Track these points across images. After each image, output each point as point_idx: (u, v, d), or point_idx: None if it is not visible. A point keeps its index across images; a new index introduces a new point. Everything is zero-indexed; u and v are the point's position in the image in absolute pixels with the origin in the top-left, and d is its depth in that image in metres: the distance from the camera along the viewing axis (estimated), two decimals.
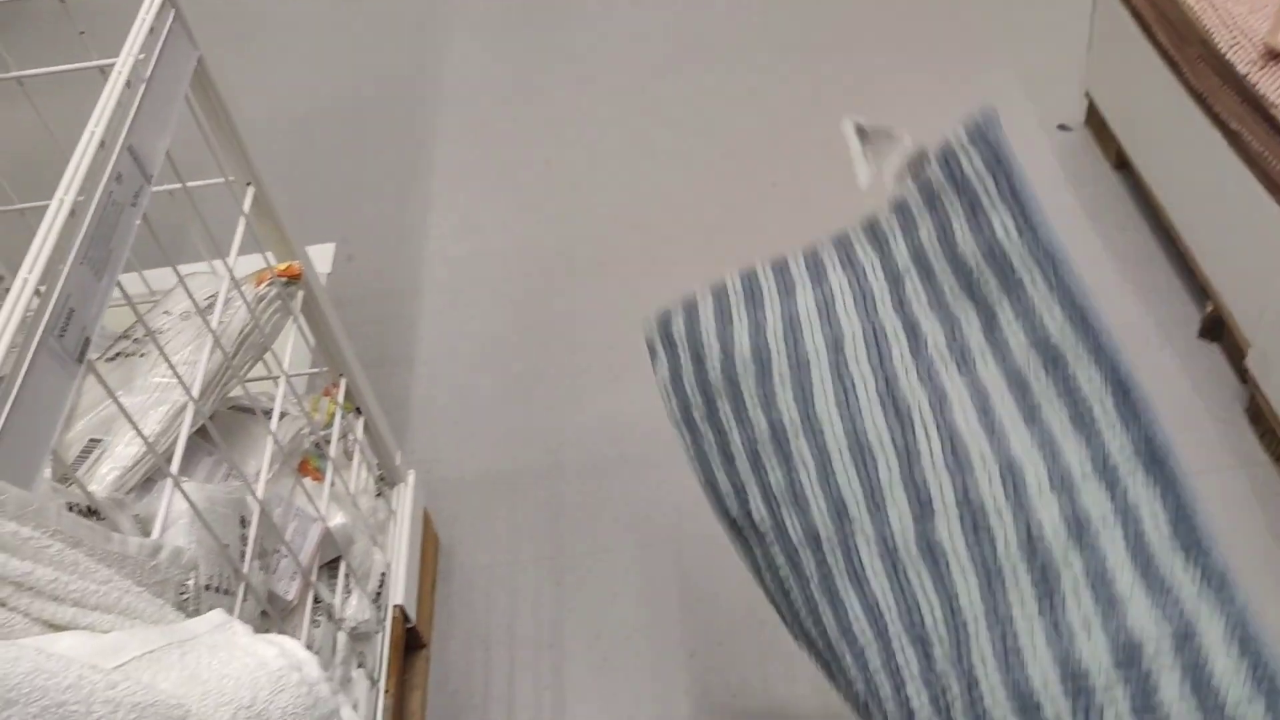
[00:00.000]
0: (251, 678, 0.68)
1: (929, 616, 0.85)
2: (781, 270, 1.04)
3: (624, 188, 2.24)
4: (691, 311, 1.06)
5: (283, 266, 1.22)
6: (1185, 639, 0.76)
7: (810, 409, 0.93)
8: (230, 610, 0.99)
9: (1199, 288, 1.80)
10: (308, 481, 1.33)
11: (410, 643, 1.55)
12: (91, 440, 1.09)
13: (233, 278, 1.09)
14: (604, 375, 1.90)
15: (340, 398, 1.37)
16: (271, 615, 1.08)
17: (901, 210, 0.98)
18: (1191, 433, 1.65)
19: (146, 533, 0.95)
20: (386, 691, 1.36)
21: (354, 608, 1.32)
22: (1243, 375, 1.68)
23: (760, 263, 1.05)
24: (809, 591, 0.92)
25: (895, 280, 0.97)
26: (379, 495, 1.49)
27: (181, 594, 0.93)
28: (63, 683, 0.60)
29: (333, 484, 1.34)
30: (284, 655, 0.70)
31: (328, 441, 1.35)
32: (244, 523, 1.05)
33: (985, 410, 0.88)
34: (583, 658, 1.53)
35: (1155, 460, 0.84)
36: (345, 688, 1.29)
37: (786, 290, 1.02)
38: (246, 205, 1.14)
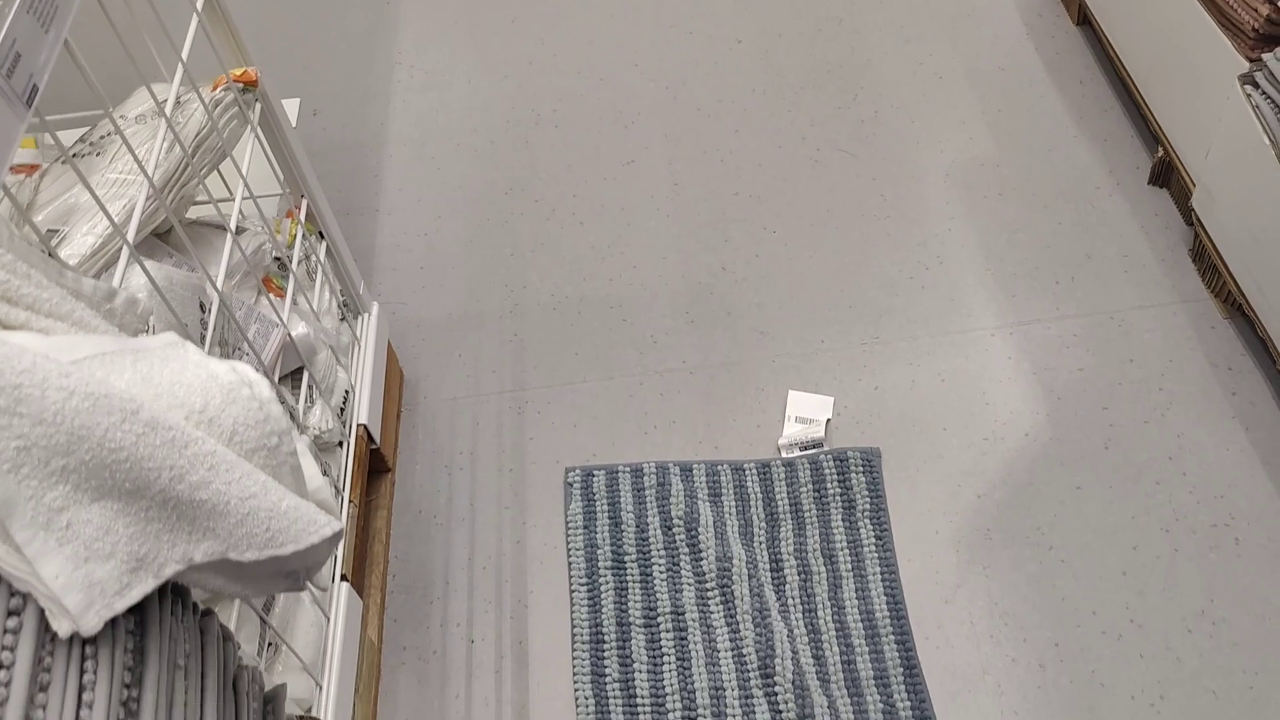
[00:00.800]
0: (204, 386, 0.72)
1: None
2: (688, 474, 1.55)
3: (589, 43, 2.23)
4: (612, 477, 1.55)
5: (239, 72, 1.23)
6: None
7: (681, 603, 1.44)
8: None
9: (1152, 136, 1.84)
10: (271, 298, 1.36)
11: (375, 467, 1.60)
12: (50, 230, 1.11)
13: (187, 73, 1.10)
14: (568, 221, 1.92)
15: (302, 217, 1.39)
16: None
17: (789, 467, 1.54)
18: (1136, 272, 1.70)
19: None
20: (351, 502, 1.41)
21: (317, 416, 1.36)
22: (1188, 218, 1.72)
23: (672, 463, 1.56)
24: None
25: (774, 521, 1.50)
26: (343, 320, 1.52)
27: None
28: (18, 365, 0.63)
29: (295, 302, 1.37)
30: (235, 372, 0.74)
31: (286, 268, 1.37)
32: (204, 308, 1.08)
33: (817, 652, 1.39)
34: (542, 480, 1.59)
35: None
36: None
37: (690, 495, 1.52)
38: (199, 3, 1.15)
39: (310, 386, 1.36)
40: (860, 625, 1.39)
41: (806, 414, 1.60)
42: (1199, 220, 1.63)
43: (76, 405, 0.65)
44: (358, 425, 1.49)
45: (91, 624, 0.66)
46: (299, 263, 1.43)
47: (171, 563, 0.71)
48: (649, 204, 1.93)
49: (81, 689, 0.68)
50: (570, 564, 1.49)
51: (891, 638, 1.38)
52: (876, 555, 1.45)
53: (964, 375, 1.62)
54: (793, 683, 1.33)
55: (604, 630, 1.42)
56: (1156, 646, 1.33)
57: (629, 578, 1.46)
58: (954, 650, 1.36)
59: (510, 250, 1.90)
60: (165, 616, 0.77)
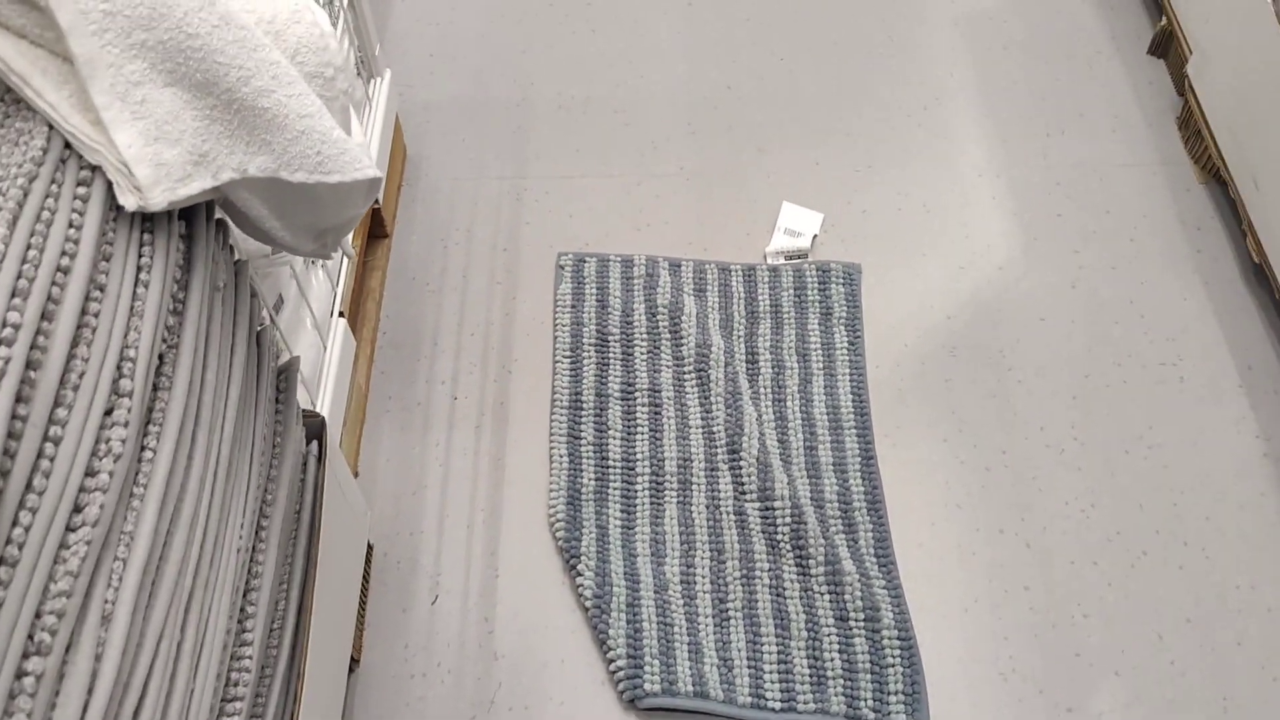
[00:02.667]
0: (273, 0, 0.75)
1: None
2: (676, 268, 1.61)
3: None
4: (604, 264, 1.61)
5: None
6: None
7: (659, 382, 1.51)
8: None
9: (1156, 6, 1.88)
10: None
11: (373, 231, 1.64)
12: None
13: None
14: (580, 27, 1.94)
15: None
16: None
17: (774, 272, 1.61)
18: (1124, 133, 1.76)
19: None
20: (353, 247, 1.45)
21: None
22: (1180, 88, 1.78)
23: (662, 257, 1.62)
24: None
25: (753, 318, 1.57)
26: (358, 75, 1.54)
27: None
28: None
29: None
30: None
31: None
32: None
33: (782, 436, 1.48)
34: (535, 262, 1.64)
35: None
36: None
37: (677, 288, 1.58)
38: None
39: None
40: (825, 417, 1.48)
41: (795, 226, 1.65)
42: (1190, 87, 1.69)
43: None
44: None
45: (157, 200, 0.71)
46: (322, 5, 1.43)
47: (228, 169, 0.76)
48: (661, 19, 1.95)
49: (139, 269, 0.73)
50: (556, 338, 1.55)
51: (853, 431, 1.46)
52: (848, 358, 1.53)
53: (948, 207, 1.68)
54: (756, 459, 1.42)
55: (583, 398, 1.49)
56: (1094, 462, 1.44)
57: (611, 355, 1.53)
58: (909, 448, 1.46)
59: (522, 49, 1.91)
60: (210, 237, 0.82)
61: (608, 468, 1.44)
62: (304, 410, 1.10)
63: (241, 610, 0.90)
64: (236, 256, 0.90)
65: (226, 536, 0.85)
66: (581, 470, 1.43)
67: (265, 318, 0.98)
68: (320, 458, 1.11)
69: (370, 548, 1.38)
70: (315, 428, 1.13)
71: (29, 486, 0.63)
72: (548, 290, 1.61)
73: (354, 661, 1.30)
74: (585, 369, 1.52)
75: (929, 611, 1.33)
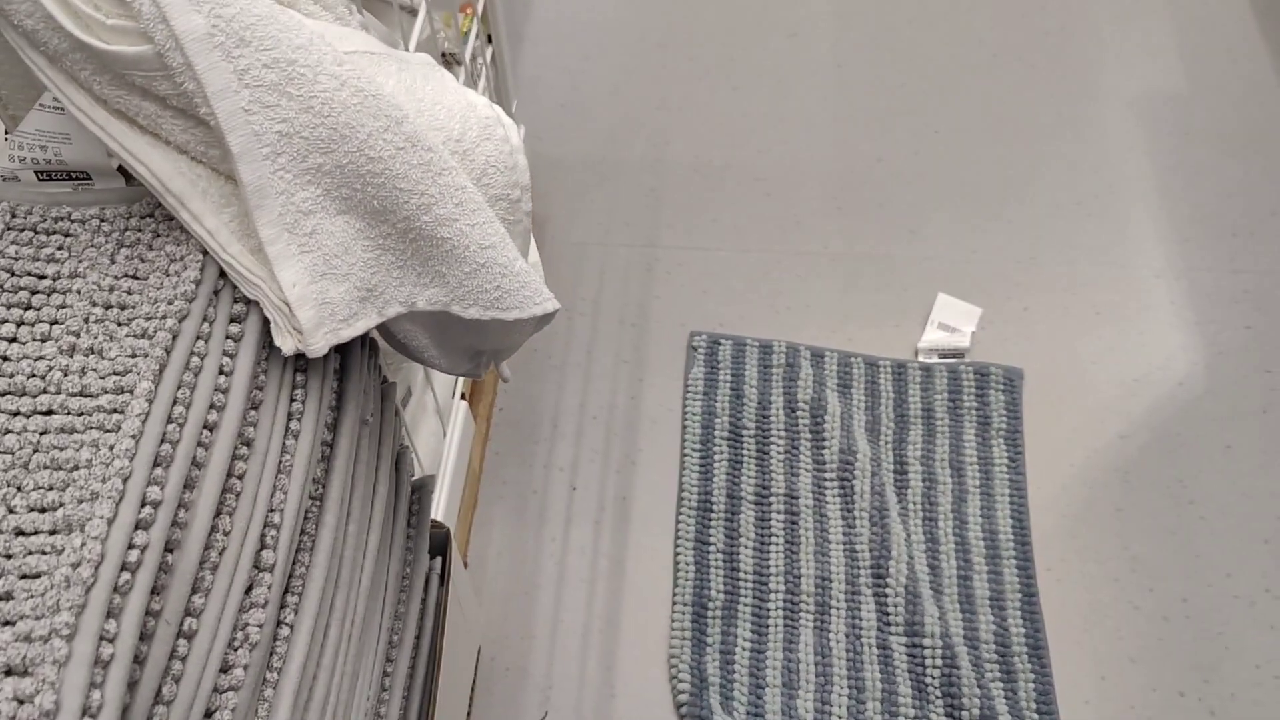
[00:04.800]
0: (463, 114, 0.65)
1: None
2: (819, 359, 1.48)
3: None
4: (739, 349, 1.49)
5: None
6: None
7: (796, 488, 1.38)
8: None
9: None
10: None
11: None
12: None
13: None
14: (721, 84, 1.82)
15: (479, 10, 1.31)
16: None
17: (926, 372, 1.46)
18: None
19: None
20: None
21: None
22: None
23: (803, 345, 1.49)
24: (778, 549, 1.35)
25: (903, 423, 1.43)
26: None
27: None
28: (295, 40, 0.56)
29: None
30: (492, 108, 0.67)
31: (458, 61, 1.29)
32: None
33: (933, 561, 1.33)
34: (665, 341, 1.53)
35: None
36: None
37: (819, 382, 1.45)
38: None
39: None
40: (981, 543, 1.33)
41: (951, 321, 1.52)
42: None
43: (346, 99, 0.58)
44: None
45: (318, 345, 0.61)
46: (470, 60, 1.34)
47: (395, 303, 0.65)
48: (809, 81, 1.83)
49: (290, 415, 0.63)
50: (685, 428, 1.43)
51: (1013, 561, 1.32)
52: (1007, 476, 1.38)
53: (1121, 312, 1.53)
54: (905, 587, 1.28)
55: (713, 499, 1.37)
56: None
57: (745, 452, 1.41)
58: (1075, 586, 1.31)
59: (657, 105, 1.81)
60: (364, 369, 0.72)
61: (738, 581, 1.31)
62: (433, 522, 1.00)
63: None
64: (383, 377, 0.80)
65: (355, 700, 0.74)
66: (708, 581, 1.31)
67: (404, 435, 0.88)
68: (444, 576, 1.00)
69: (478, 650, 1.28)
70: (440, 541, 1.02)
71: (158, 697, 0.53)
72: (677, 374, 1.49)
73: None
74: (716, 466, 1.40)
75: None
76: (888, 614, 1.28)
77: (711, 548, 1.33)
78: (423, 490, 0.92)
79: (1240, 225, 1.62)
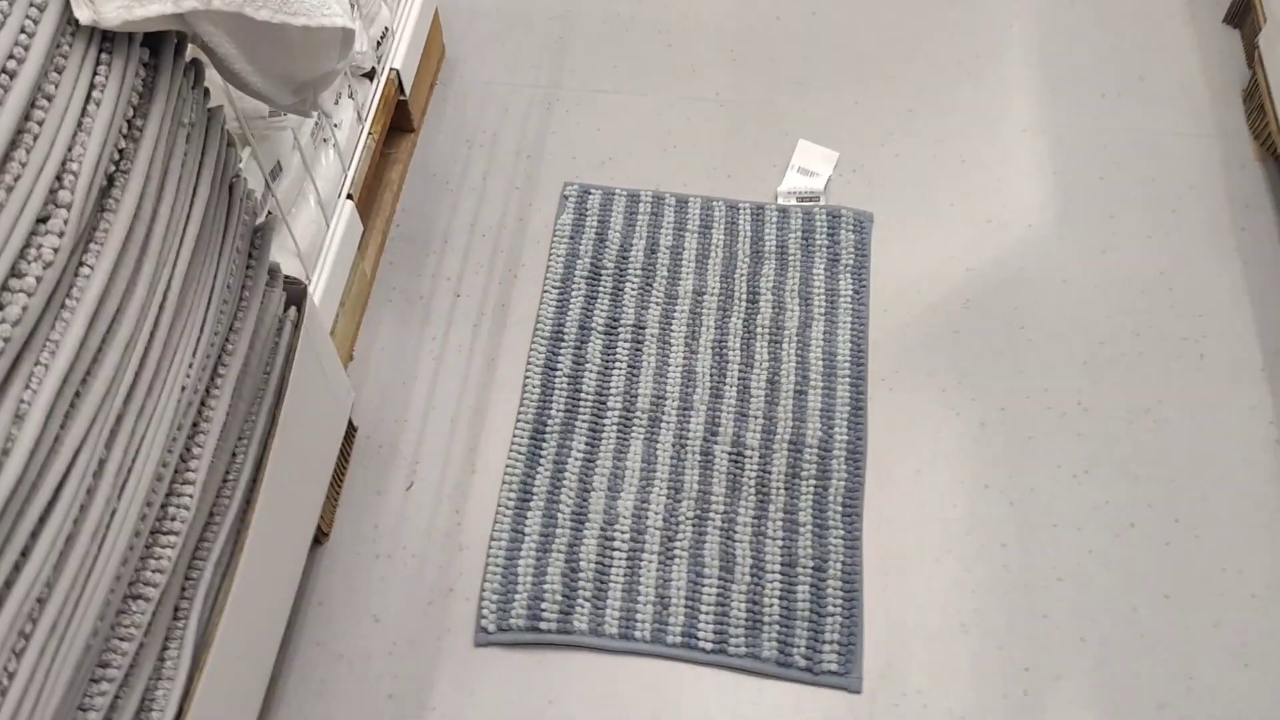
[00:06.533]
0: None
1: None
2: (683, 205, 1.58)
3: None
4: (608, 198, 1.59)
5: None
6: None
7: (645, 319, 1.49)
8: None
9: None
10: None
11: (399, 124, 1.64)
12: None
13: None
14: None
15: None
16: None
17: (783, 213, 1.57)
18: (1184, 101, 1.68)
19: None
20: (370, 134, 1.46)
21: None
22: (1250, 58, 1.69)
23: (669, 194, 1.59)
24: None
25: (758, 258, 1.53)
26: None
27: None
28: None
29: None
30: None
31: None
32: None
33: (773, 377, 1.45)
34: (556, 171, 1.63)
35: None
36: (333, 107, 1.39)
37: (680, 227, 1.56)
38: None
39: (353, 5, 1.38)
40: (820, 363, 1.44)
41: (810, 166, 1.62)
42: (1260, 59, 1.60)
43: None
44: (390, 67, 1.52)
45: (110, 17, 0.71)
46: None
47: None
48: None
49: (92, 86, 0.74)
50: (548, 268, 1.53)
51: (847, 379, 1.43)
52: (850, 306, 1.49)
53: (985, 160, 1.63)
54: (734, 405, 1.40)
55: (565, 330, 1.47)
56: (1095, 429, 1.39)
57: (600, 289, 1.50)
58: (904, 395, 1.43)
59: None
60: (177, 71, 0.82)
61: (579, 402, 1.42)
62: (286, 276, 1.12)
63: (186, 449, 0.92)
64: (214, 103, 0.91)
65: (170, 371, 0.86)
66: (551, 403, 1.42)
67: (242, 172, 0.99)
68: (297, 324, 1.12)
69: (354, 429, 1.40)
70: (296, 295, 1.14)
71: None
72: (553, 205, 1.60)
73: (323, 535, 1.33)
74: (573, 302, 1.49)
75: (897, 557, 1.30)
76: (717, 427, 1.39)
77: (558, 373, 1.44)
78: (264, 229, 1.03)
79: (1110, 87, 1.71)
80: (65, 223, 0.71)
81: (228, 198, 0.95)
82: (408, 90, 1.58)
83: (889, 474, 1.37)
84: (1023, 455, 1.37)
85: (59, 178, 0.71)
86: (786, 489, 1.34)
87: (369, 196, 1.55)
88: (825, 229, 1.55)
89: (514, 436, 1.40)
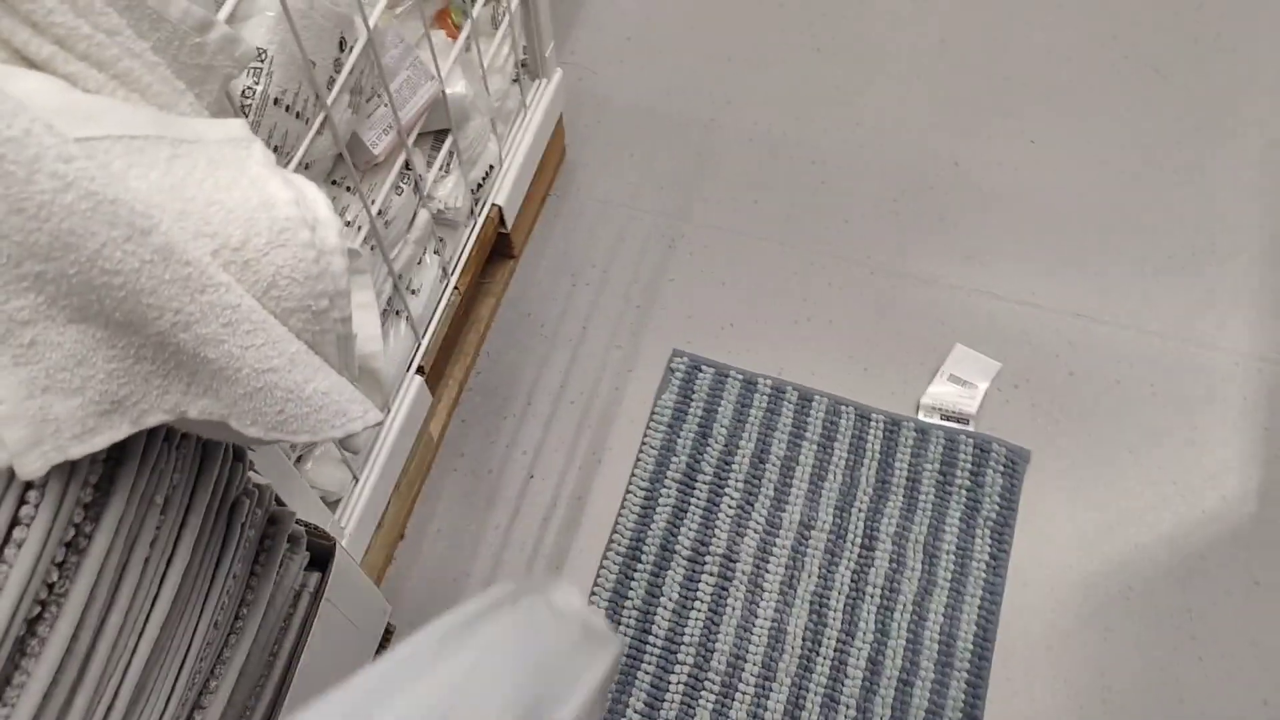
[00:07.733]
0: (249, 216, 0.54)
1: None
2: (805, 404, 1.34)
3: None
4: (720, 382, 1.36)
5: None
6: None
7: (738, 550, 1.26)
8: (299, 139, 0.85)
9: None
10: (440, 36, 1.16)
11: (499, 249, 1.44)
12: None
13: None
14: (802, 44, 1.63)
15: None
16: (348, 163, 0.95)
17: (922, 435, 1.31)
18: None
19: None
20: (456, 290, 1.26)
21: (448, 190, 1.19)
22: None
23: (791, 386, 1.35)
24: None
25: (883, 491, 1.28)
26: (515, 81, 1.31)
27: (244, 100, 0.79)
28: (5, 129, 0.46)
29: (466, 48, 1.17)
30: (300, 205, 0.56)
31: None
32: (343, 47, 0.89)
33: (875, 655, 1.21)
34: (665, 329, 1.41)
35: None
36: (415, 269, 1.19)
37: (796, 432, 1.32)
38: None
39: (451, 155, 1.17)
40: (935, 647, 1.20)
41: (965, 375, 1.35)
42: None
43: (71, 203, 0.48)
44: (492, 205, 1.31)
45: (31, 467, 0.53)
46: (486, 2, 1.20)
47: (158, 411, 0.57)
48: (903, 54, 1.62)
49: (14, 523, 0.56)
50: (638, 461, 1.31)
51: (964, 675, 1.19)
52: (984, 577, 1.24)
53: (1182, 397, 1.34)
54: (824, 689, 1.18)
55: (643, 549, 1.26)
56: None
57: (693, 500, 1.28)
58: (1031, 709, 1.19)
59: (728, 56, 1.63)
60: (152, 447, 0.64)
61: (645, 643, 1.21)
62: (310, 529, 0.94)
63: None
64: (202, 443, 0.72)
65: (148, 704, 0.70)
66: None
67: (251, 477, 0.80)
68: (318, 594, 0.95)
69: (391, 630, 1.24)
70: (322, 553, 0.96)
71: None
72: (661, 372, 1.38)
73: None
74: (658, 512, 1.28)
75: None
76: (800, 712, 1.17)
77: (627, 604, 1.24)
78: (279, 524, 0.85)
79: None
80: None
81: (226, 525, 0.77)
82: (510, 223, 1.37)
83: None
84: None
85: None
86: None
87: (449, 343, 1.35)
88: (969, 465, 1.30)
89: None
